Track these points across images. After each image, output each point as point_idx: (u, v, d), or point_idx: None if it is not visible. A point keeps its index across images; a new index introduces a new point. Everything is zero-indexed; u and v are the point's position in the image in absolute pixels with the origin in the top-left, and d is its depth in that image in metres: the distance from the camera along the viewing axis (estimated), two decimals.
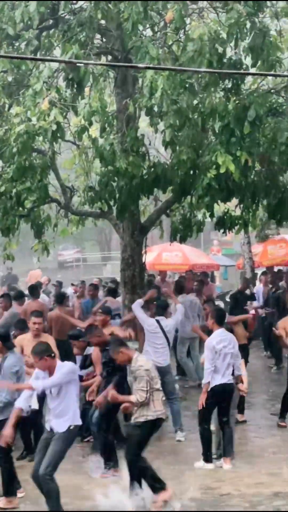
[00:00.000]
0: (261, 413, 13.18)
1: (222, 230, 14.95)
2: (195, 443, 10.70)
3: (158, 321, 12.03)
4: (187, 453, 10.90)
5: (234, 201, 13.87)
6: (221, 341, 10.36)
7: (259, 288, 19.79)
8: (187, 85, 11.48)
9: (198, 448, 10.36)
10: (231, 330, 10.96)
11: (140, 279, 14.43)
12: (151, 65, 10.74)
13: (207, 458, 10.23)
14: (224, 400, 10.31)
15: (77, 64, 11.13)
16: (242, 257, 23.01)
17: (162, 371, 11.24)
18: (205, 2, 11.89)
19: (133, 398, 8.76)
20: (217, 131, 12.08)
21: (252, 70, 12.36)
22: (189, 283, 17.08)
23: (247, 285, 17.83)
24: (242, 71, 11.92)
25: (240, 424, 11.88)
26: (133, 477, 8.67)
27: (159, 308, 12.46)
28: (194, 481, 9.50)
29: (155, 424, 8.81)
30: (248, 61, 12.03)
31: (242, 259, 23.02)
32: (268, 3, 11.90)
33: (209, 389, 10.22)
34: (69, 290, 20.70)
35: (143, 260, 14.53)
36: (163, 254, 22.19)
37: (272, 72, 11.75)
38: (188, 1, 11.28)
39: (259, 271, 22.71)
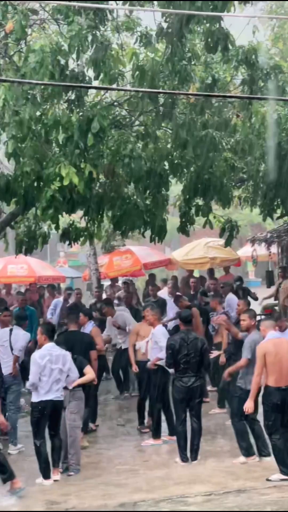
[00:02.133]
0: (107, 424, 13.22)
1: (67, 242, 14.94)
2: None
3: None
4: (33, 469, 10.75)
5: (79, 212, 13.91)
6: (46, 355, 10.25)
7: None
8: (29, 96, 11.38)
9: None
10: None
11: None
12: None
13: (46, 475, 10.09)
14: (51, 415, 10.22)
15: None
16: (88, 268, 23.06)
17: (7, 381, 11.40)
18: (46, 13, 11.85)
19: None
20: (61, 143, 12.07)
21: (95, 83, 12.46)
22: (33, 295, 16.94)
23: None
24: (84, 84, 11.95)
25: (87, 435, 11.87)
26: None
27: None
28: (39, 496, 9.39)
29: None
30: (90, 73, 12.08)
31: (88, 271, 23.07)
32: (109, 16, 12.00)
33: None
34: None
35: None
36: (9, 267, 21.90)
37: (114, 86, 11.88)
38: (29, 12, 11.19)
39: (105, 283, 22.87)
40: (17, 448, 11.52)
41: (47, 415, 10.13)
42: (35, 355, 10.29)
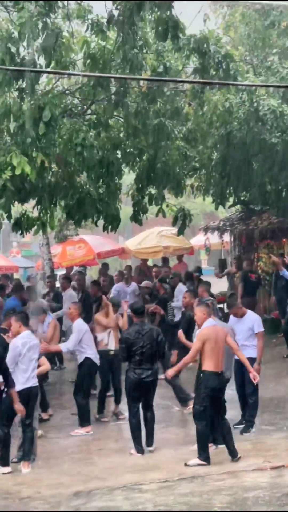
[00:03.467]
0: (62, 414, 13.19)
1: (19, 232, 14.84)
2: None
3: None
4: None
5: (32, 202, 13.81)
6: (26, 343, 10.27)
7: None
8: None
9: None
10: None
11: None
12: None
13: (4, 462, 10.07)
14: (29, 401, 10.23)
15: None
16: (41, 258, 22.93)
17: None
18: None
19: None
20: (12, 132, 11.96)
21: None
22: None
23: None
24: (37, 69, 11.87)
25: (41, 424, 11.84)
26: None
27: None
28: None
29: None
30: (41, 61, 11.99)
31: (42, 260, 22.94)
32: (60, 3, 11.91)
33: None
34: None
35: None
36: None
37: (67, 71, 11.81)
38: None
39: (58, 272, 22.77)
40: None
41: (24, 404, 10.11)
42: (17, 342, 10.26)
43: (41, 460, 10.42)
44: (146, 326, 10.83)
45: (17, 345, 10.24)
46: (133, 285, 17.63)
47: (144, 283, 17.57)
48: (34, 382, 10.28)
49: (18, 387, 10.08)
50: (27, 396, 10.14)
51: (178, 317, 14.96)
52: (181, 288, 15.73)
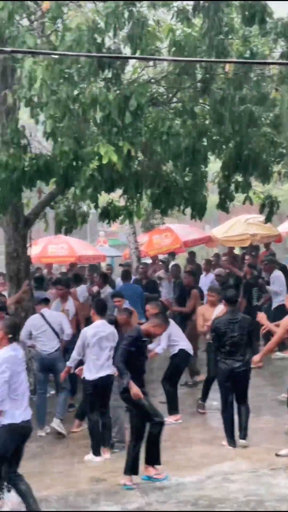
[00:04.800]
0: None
1: (106, 221, 14.94)
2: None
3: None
4: (78, 445, 10.85)
5: (118, 191, 13.87)
6: (96, 333, 10.34)
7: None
8: (66, 75, 11.34)
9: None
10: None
11: (25, 272, 14.26)
12: (32, 50, 10.55)
13: (96, 451, 10.19)
14: (105, 391, 10.33)
15: None
16: (128, 247, 23.07)
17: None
18: None
19: None
20: (98, 122, 12.02)
21: (132, 62, 12.38)
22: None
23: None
24: (121, 62, 11.88)
25: None
26: None
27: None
28: (83, 473, 9.47)
29: None
30: (127, 50, 11.99)
31: (128, 250, 23.08)
32: None
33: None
34: None
35: (29, 254, 14.35)
36: (49, 247, 22.02)
37: (153, 56, 11.80)
38: None
39: (146, 261, 22.86)
40: (44, 430, 11.74)
41: (98, 393, 10.21)
42: (87, 331, 10.37)
43: None
44: (238, 315, 10.72)
45: (85, 335, 10.34)
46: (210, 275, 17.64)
47: (217, 270, 17.49)
48: (107, 372, 10.30)
49: (90, 376, 10.19)
50: (99, 385, 10.21)
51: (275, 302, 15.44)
52: (277, 274, 15.74)
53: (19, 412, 7.83)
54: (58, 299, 13.71)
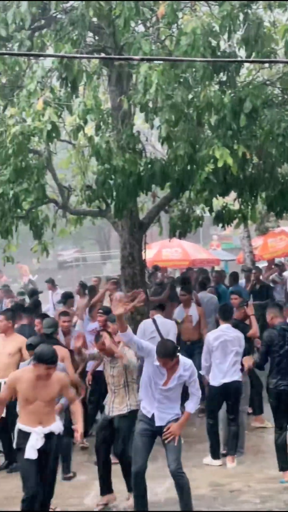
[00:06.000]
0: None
1: (221, 225, 14.90)
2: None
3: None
4: (197, 450, 10.84)
5: (233, 194, 13.81)
6: (219, 336, 10.29)
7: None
8: (181, 80, 11.40)
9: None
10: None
11: (141, 276, 14.36)
12: (146, 57, 10.65)
13: (215, 454, 10.17)
14: (230, 397, 10.23)
15: (71, 63, 11.09)
16: (242, 251, 22.92)
17: None
18: None
19: None
20: (213, 125, 11.99)
21: (246, 64, 12.29)
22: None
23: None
24: (235, 65, 11.82)
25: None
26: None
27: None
28: (202, 478, 9.45)
29: None
30: (242, 53, 11.94)
31: (242, 253, 22.93)
32: None
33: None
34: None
35: (143, 257, 14.46)
36: (163, 251, 22.15)
37: (266, 59, 11.66)
38: None
39: (260, 265, 22.66)
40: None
41: (224, 399, 10.20)
42: (209, 336, 10.39)
43: (250, 454, 10.41)
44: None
45: (208, 340, 10.35)
46: None
47: None
48: (233, 378, 10.18)
49: (216, 382, 10.15)
50: (224, 391, 10.15)
51: None
52: None
53: None
54: (181, 305, 13.62)
